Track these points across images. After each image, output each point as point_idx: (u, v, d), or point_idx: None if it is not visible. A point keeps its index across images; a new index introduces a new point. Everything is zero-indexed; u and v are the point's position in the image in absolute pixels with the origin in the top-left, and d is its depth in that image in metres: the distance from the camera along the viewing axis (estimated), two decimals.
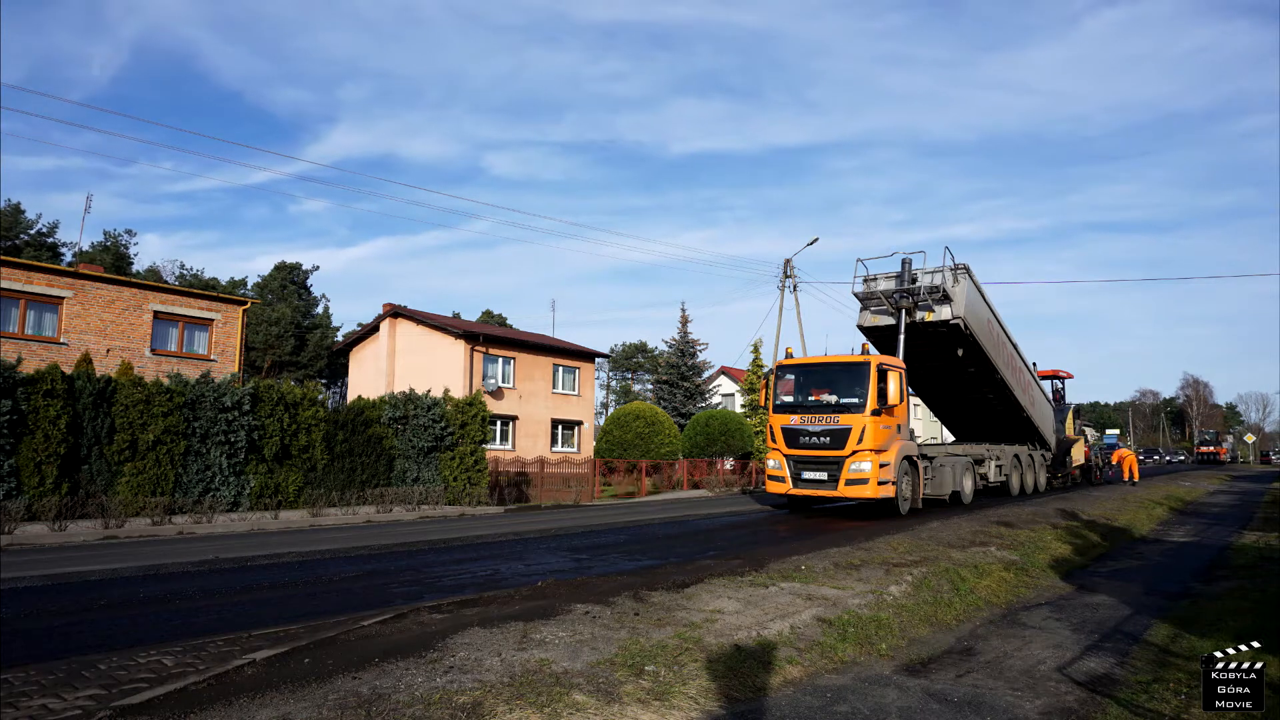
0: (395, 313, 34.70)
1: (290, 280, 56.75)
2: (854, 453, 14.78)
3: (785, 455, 15.74)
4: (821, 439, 15.21)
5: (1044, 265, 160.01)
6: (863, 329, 18.53)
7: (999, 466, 20.45)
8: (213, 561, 10.14)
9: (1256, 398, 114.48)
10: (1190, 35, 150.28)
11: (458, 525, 15.61)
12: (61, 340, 22.22)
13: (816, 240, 62.75)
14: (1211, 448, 68.32)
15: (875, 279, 18.15)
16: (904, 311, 17.38)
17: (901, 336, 17.24)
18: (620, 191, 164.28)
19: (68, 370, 15.98)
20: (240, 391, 17.03)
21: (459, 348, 31.67)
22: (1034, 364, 22.44)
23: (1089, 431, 30.35)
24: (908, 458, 15.79)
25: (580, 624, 6.14)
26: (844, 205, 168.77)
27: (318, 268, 53.37)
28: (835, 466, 14.99)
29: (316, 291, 61.86)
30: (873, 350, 17.00)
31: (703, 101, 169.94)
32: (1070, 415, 26.89)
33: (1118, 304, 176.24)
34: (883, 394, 14.87)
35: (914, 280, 17.27)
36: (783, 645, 6.04)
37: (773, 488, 16.33)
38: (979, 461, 19.38)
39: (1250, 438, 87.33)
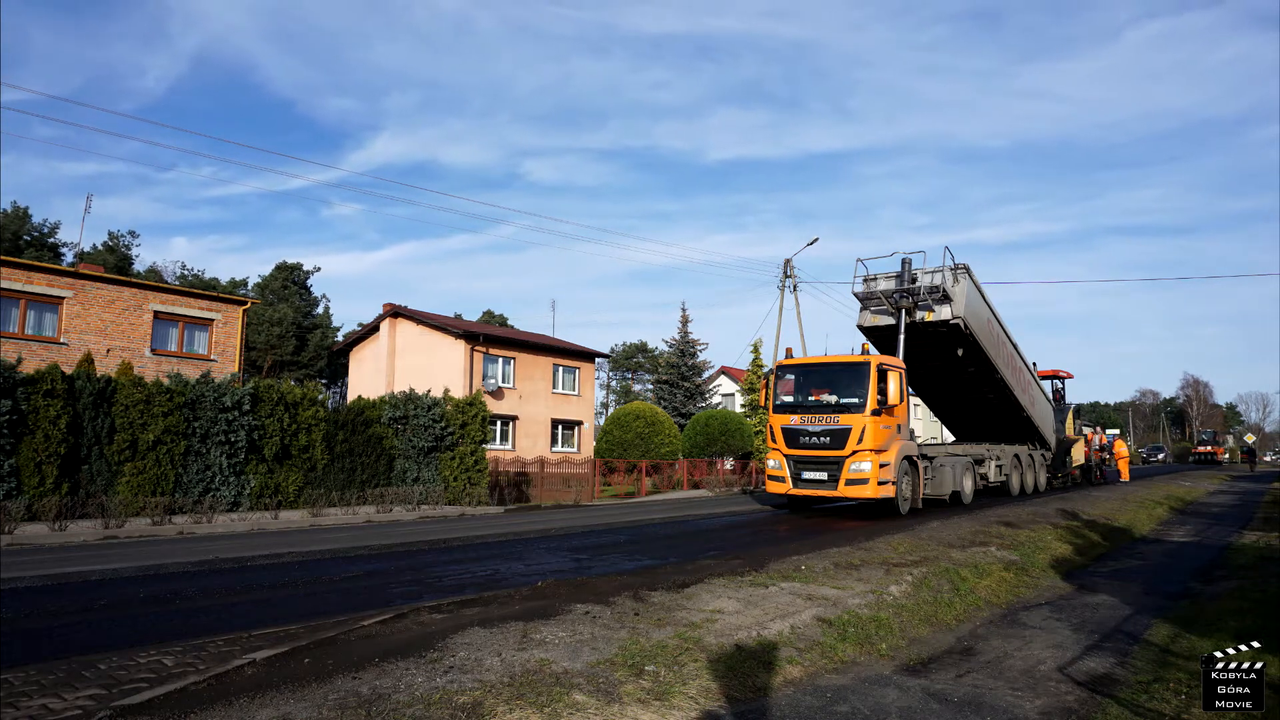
0: (395, 313, 34.67)
1: (291, 280, 56.72)
2: (854, 453, 14.78)
3: (785, 455, 15.74)
4: (821, 439, 15.21)
5: (1064, 268, 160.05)
6: (863, 329, 18.54)
7: (999, 466, 20.44)
8: (213, 561, 10.14)
9: (1256, 398, 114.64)
10: (1226, 45, 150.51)
11: (458, 525, 15.61)
12: (62, 340, 22.22)
13: (816, 240, 62.84)
14: (1209, 447, 67.98)
15: (875, 279, 18.15)
16: (904, 311, 17.38)
17: (901, 336, 17.25)
18: (651, 196, 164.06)
19: (68, 370, 15.98)
20: (240, 391, 17.03)
21: (459, 348, 31.67)
22: (1034, 364, 22.45)
23: (1088, 431, 30.35)
24: (908, 458, 15.79)
25: (580, 624, 6.14)
26: (870, 209, 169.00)
27: (319, 268, 53.53)
28: (835, 466, 14.99)
29: (330, 293, 62.03)
30: (873, 350, 17.00)
31: (744, 111, 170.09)
32: (1070, 415, 26.90)
33: (1126, 305, 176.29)
34: (883, 394, 14.87)
35: (914, 280, 17.28)
36: (783, 645, 6.04)
37: (773, 488, 16.33)
38: (979, 461, 19.37)
39: (1250, 437, 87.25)
